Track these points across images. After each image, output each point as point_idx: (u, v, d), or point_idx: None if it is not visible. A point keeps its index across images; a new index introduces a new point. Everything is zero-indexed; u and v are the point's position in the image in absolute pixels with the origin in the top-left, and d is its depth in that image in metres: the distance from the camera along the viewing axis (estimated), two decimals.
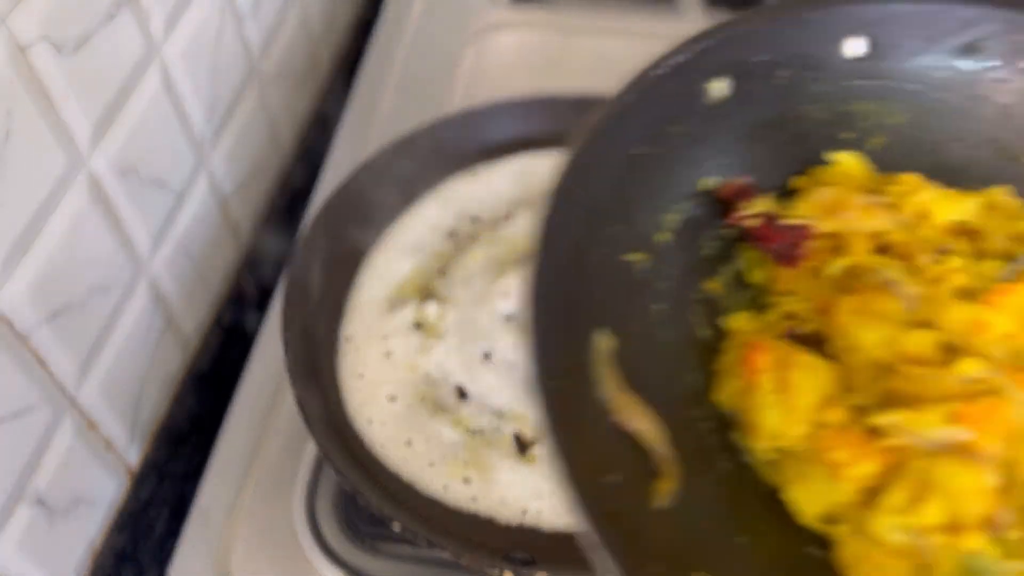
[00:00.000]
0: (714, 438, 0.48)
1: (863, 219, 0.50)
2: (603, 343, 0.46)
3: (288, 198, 0.90)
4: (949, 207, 0.50)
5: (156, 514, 0.71)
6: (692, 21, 0.91)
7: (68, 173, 0.57)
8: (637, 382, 0.47)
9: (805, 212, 0.51)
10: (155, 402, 0.70)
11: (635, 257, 0.50)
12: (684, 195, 0.53)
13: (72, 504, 0.61)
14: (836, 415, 0.44)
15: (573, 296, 0.45)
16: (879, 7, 0.54)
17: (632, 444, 0.44)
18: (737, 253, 0.54)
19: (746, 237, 0.52)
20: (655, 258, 0.51)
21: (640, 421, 0.45)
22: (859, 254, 0.49)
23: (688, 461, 0.46)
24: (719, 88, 0.52)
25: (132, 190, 0.64)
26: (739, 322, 0.51)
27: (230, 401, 0.69)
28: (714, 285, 0.53)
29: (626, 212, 0.50)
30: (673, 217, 0.52)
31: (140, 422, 0.68)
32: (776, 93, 0.54)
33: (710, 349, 0.51)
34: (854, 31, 0.54)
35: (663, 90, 0.51)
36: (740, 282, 0.54)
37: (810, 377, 0.45)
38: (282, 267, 0.69)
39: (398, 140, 0.72)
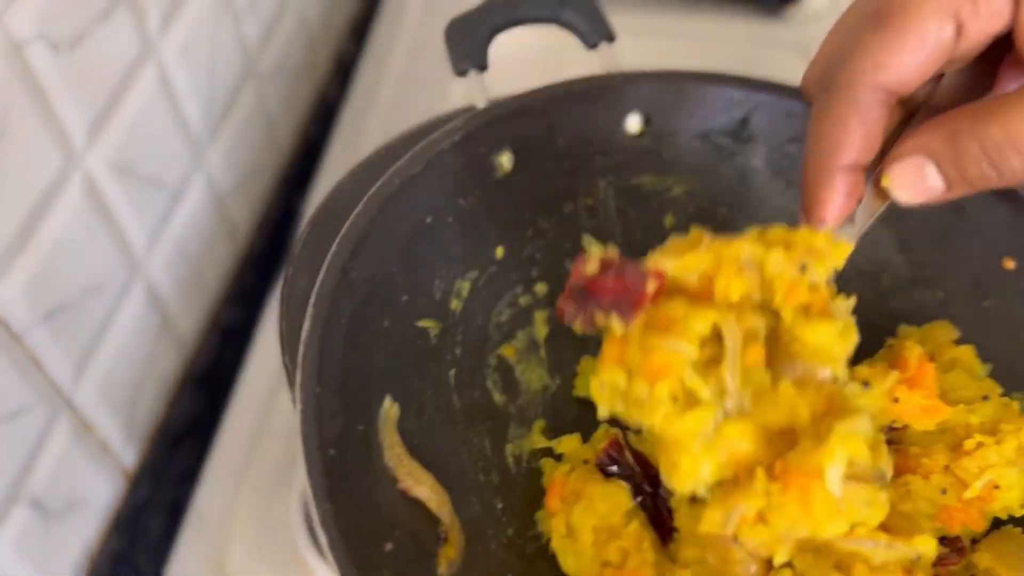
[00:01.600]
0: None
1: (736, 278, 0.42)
2: (391, 410, 0.46)
3: (285, 197, 0.90)
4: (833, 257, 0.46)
5: (152, 516, 0.70)
6: (690, 20, 0.91)
7: (63, 172, 0.57)
8: (430, 447, 0.47)
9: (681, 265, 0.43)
10: (151, 403, 0.70)
11: (428, 324, 0.51)
12: (477, 263, 0.54)
13: (68, 506, 0.60)
14: (615, 553, 0.43)
15: (360, 362, 0.46)
16: (651, 85, 0.56)
17: (420, 511, 0.45)
18: (533, 319, 0.56)
19: (577, 298, 0.43)
20: (449, 325, 0.52)
21: (422, 488, 0.45)
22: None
23: (475, 526, 0.46)
24: (508, 161, 0.54)
25: (128, 189, 0.63)
26: (566, 446, 0.51)
27: (226, 402, 0.69)
28: (508, 351, 0.54)
29: (415, 280, 0.51)
30: (465, 285, 0.53)
31: (136, 423, 0.68)
32: (561, 166, 0.56)
33: (505, 416, 0.52)
34: (630, 109, 0.56)
35: (449, 163, 0.53)
36: (535, 346, 0.55)
37: (592, 513, 0.45)
38: (279, 267, 0.68)
39: (396, 139, 0.72)
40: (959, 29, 0.32)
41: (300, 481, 0.63)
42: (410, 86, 0.88)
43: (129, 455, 0.67)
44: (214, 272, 0.78)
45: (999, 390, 0.46)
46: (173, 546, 0.63)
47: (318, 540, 0.60)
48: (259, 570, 0.60)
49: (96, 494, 0.64)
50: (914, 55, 0.32)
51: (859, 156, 0.33)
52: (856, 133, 0.32)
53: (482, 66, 0.58)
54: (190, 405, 0.75)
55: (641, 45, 0.89)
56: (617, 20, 0.91)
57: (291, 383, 0.51)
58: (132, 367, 0.67)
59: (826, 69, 0.34)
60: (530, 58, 0.90)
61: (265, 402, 0.68)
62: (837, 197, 0.33)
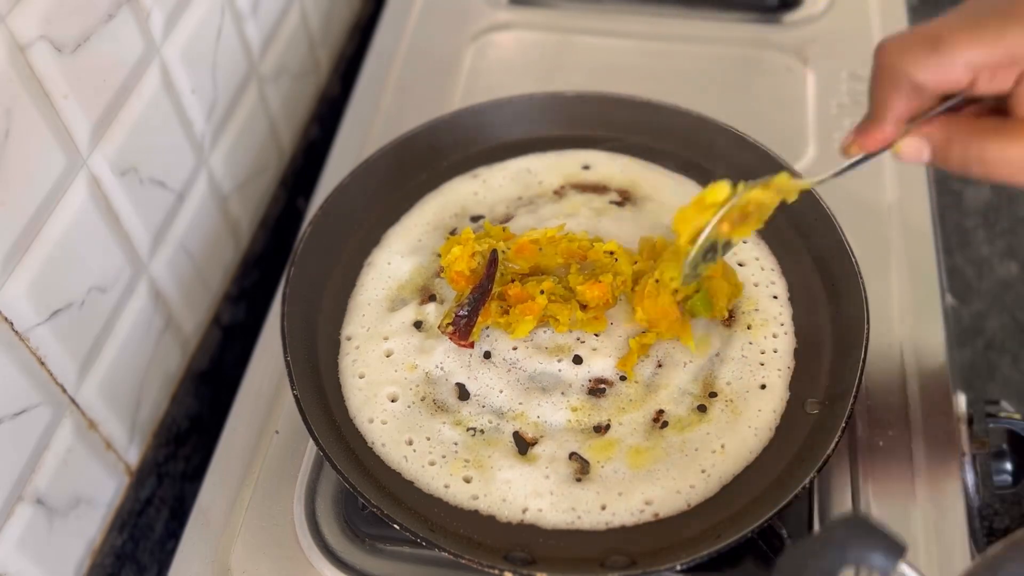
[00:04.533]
0: None
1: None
2: None
3: (288, 198, 0.90)
4: None
5: (156, 514, 0.71)
6: (689, 23, 0.91)
7: (68, 172, 0.57)
8: None
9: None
10: (154, 401, 0.71)
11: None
12: None
13: (72, 504, 0.61)
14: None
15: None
16: None
17: None
18: None
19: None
20: None
21: None
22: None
23: None
24: None
25: (132, 190, 0.64)
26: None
27: (229, 401, 0.69)
28: None
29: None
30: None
31: (140, 422, 0.68)
32: None
33: None
34: None
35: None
36: None
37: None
38: (282, 267, 0.69)
39: (398, 140, 0.72)
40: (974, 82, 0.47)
41: (302, 479, 0.63)
42: (412, 87, 0.88)
43: (132, 453, 0.68)
44: (217, 271, 0.78)
45: None
46: (176, 544, 0.64)
47: (322, 537, 0.61)
48: (262, 568, 0.60)
49: (99, 492, 0.64)
50: (943, 85, 0.48)
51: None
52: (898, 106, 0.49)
53: None
54: (193, 403, 0.76)
55: (640, 47, 0.90)
56: (617, 23, 0.92)
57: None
58: (135, 366, 0.67)
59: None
60: (530, 58, 0.90)
61: (268, 401, 0.68)
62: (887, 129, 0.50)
